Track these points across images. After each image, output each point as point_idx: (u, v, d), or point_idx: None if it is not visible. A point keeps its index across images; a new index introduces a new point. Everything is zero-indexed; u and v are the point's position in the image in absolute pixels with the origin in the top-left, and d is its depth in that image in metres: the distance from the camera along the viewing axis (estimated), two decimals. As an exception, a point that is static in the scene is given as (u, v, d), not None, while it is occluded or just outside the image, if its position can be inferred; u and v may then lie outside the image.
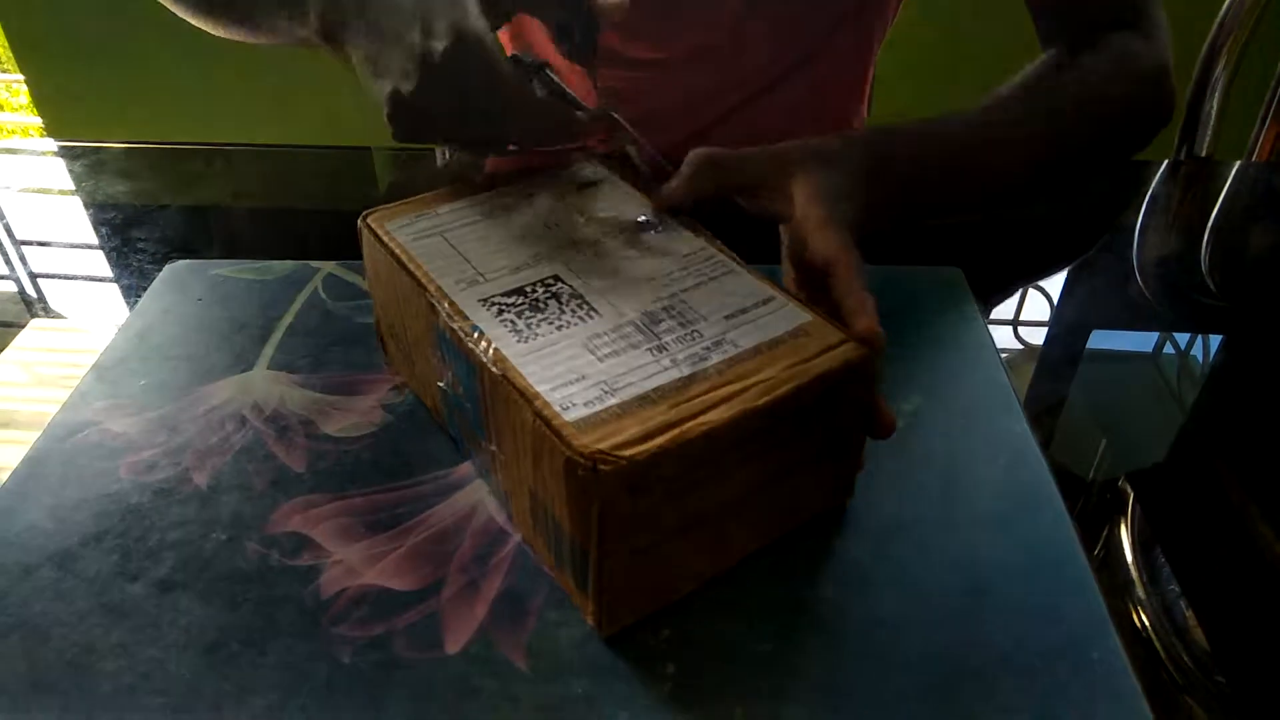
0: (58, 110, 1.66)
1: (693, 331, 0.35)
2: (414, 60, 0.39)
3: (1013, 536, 0.38)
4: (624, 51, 0.68)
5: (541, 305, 0.37)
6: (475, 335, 0.36)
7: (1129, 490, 0.44)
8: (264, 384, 0.46)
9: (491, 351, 0.35)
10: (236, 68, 1.56)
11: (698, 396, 0.32)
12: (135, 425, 0.44)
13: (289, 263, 0.55)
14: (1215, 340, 0.56)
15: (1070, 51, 0.57)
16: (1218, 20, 0.77)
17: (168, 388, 0.46)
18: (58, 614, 0.35)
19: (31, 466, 0.41)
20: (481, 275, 0.39)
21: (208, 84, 1.58)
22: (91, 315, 0.55)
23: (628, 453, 0.30)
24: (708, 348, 0.35)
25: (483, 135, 0.42)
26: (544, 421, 0.32)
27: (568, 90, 0.45)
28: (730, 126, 0.72)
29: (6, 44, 1.61)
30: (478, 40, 0.39)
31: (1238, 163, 0.77)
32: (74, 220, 0.66)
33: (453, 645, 0.34)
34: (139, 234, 0.61)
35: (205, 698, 0.32)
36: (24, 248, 0.63)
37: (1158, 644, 0.37)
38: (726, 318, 0.36)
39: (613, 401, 0.32)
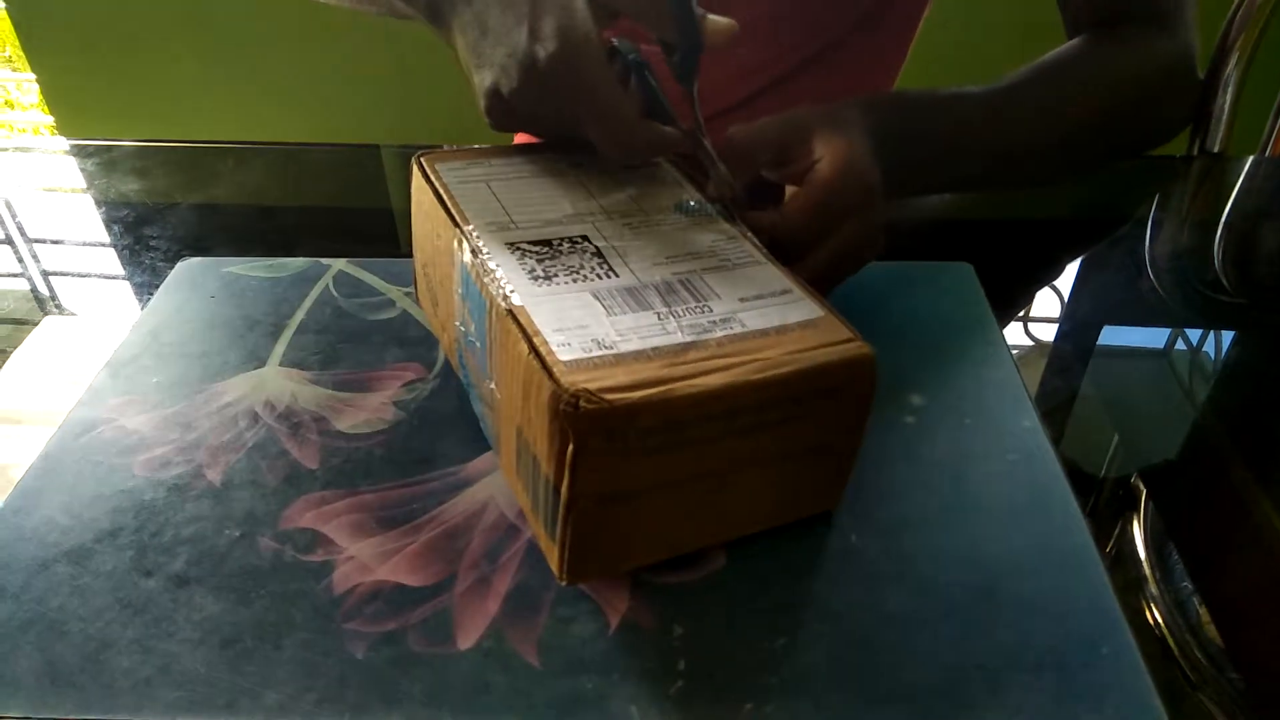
0: (69, 108, 1.67)
1: (704, 306, 0.36)
2: (516, 60, 0.40)
3: (1023, 533, 0.38)
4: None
5: (564, 256, 0.38)
6: (494, 271, 0.37)
7: (1141, 487, 0.44)
8: (276, 381, 0.46)
9: (505, 287, 0.36)
10: (247, 65, 1.57)
11: (693, 361, 0.33)
12: (149, 422, 0.44)
13: (300, 260, 0.55)
14: (1228, 336, 0.55)
15: (1094, 41, 0.57)
16: (1229, 16, 0.77)
17: (181, 385, 0.46)
18: (74, 609, 0.35)
19: (46, 463, 0.42)
20: (514, 223, 0.40)
21: (219, 82, 1.59)
22: (104, 313, 0.56)
23: (611, 396, 0.30)
24: (714, 322, 0.35)
25: (570, 135, 0.43)
26: (538, 357, 0.32)
27: (662, 97, 0.44)
28: (757, 108, 0.72)
29: (18, 42, 1.62)
30: (583, 49, 0.39)
31: (1250, 158, 0.77)
32: (86, 218, 0.66)
33: (465, 641, 0.34)
34: (151, 232, 0.62)
35: (221, 692, 0.32)
36: (36, 246, 0.64)
37: (1171, 641, 0.37)
38: (740, 300, 0.36)
39: (609, 352, 0.33)
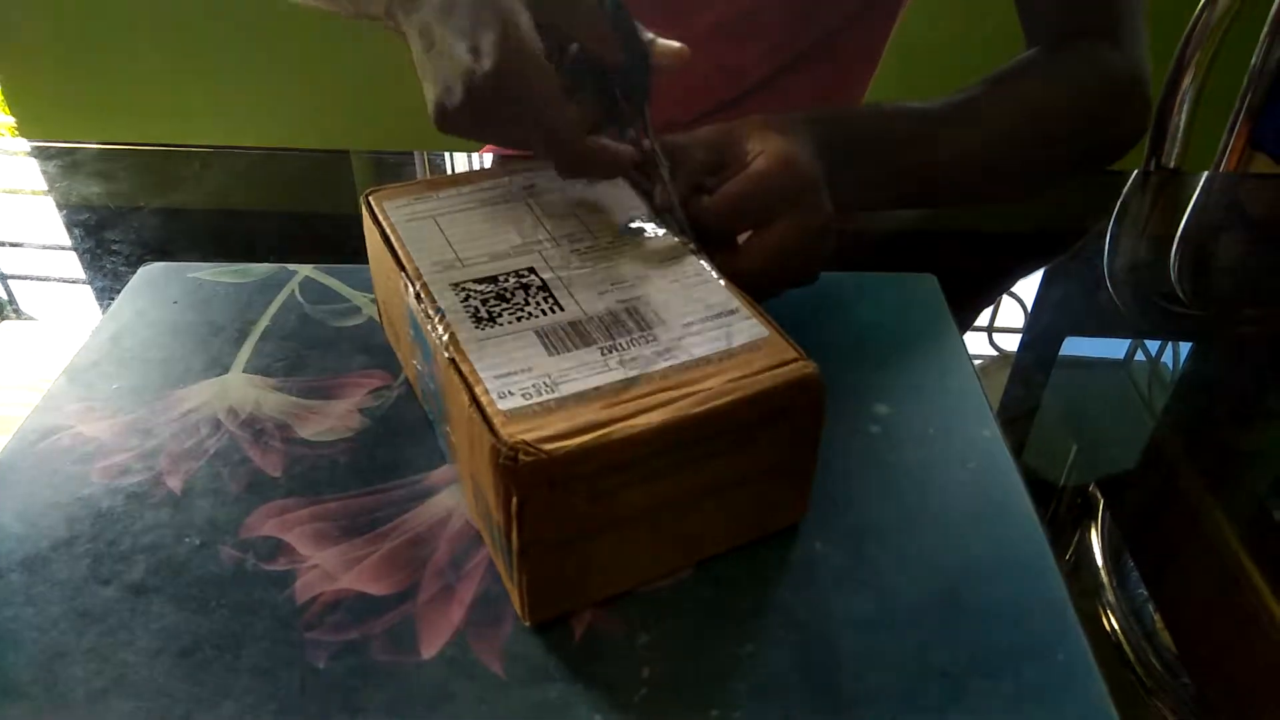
0: (30, 109, 1.64)
1: (649, 335, 0.36)
2: (458, 77, 0.39)
3: (983, 540, 0.38)
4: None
5: (508, 295, 0.38)
6: (436, 318, 0.37)
7: (1099, 496, 0.45)
8: (240, 388, 0.46)
9: (446, 335, 0.36)
10: (214, 69, 1.55)
11: (634, 399, 0.33)
12: (108, 429, 0.43)
13: (266, 266, 0.55)
14: (1185, 348, 0.56)
15: (1050, 54, 0.58)
16: (1185, 33, 0.79)
17: (141, 391, 0.45)
18: (28, 618, 0.35)
19: (1, 470, 0.41)
20: (460, 260, 0.40)
21: (184, 84, 1.57)
22: (64, 317, 0.55)
23: (549, 447, 0.31)
24: (658, 352, 0.35)
25: (524, 145, 0.42)
26: (478, 407, 0.32)
27: (622, 106, 0.43)
28: (743, 110, 0.72)
29: (-22, 43, 1.59)
30: (525, 67, 0.39)
31: (1205, 174, 0.78)
32: (47, 221, 0.65)
33: (428, 650, 0.34)
34: (113, 236, 0.61)
35: (178, 702, 0.32)
36: (-5, 249, 0.63)
37: (1126, 647, 0.37)
38: (685, 325, 0.36)
39: (550, 396, 0.33)
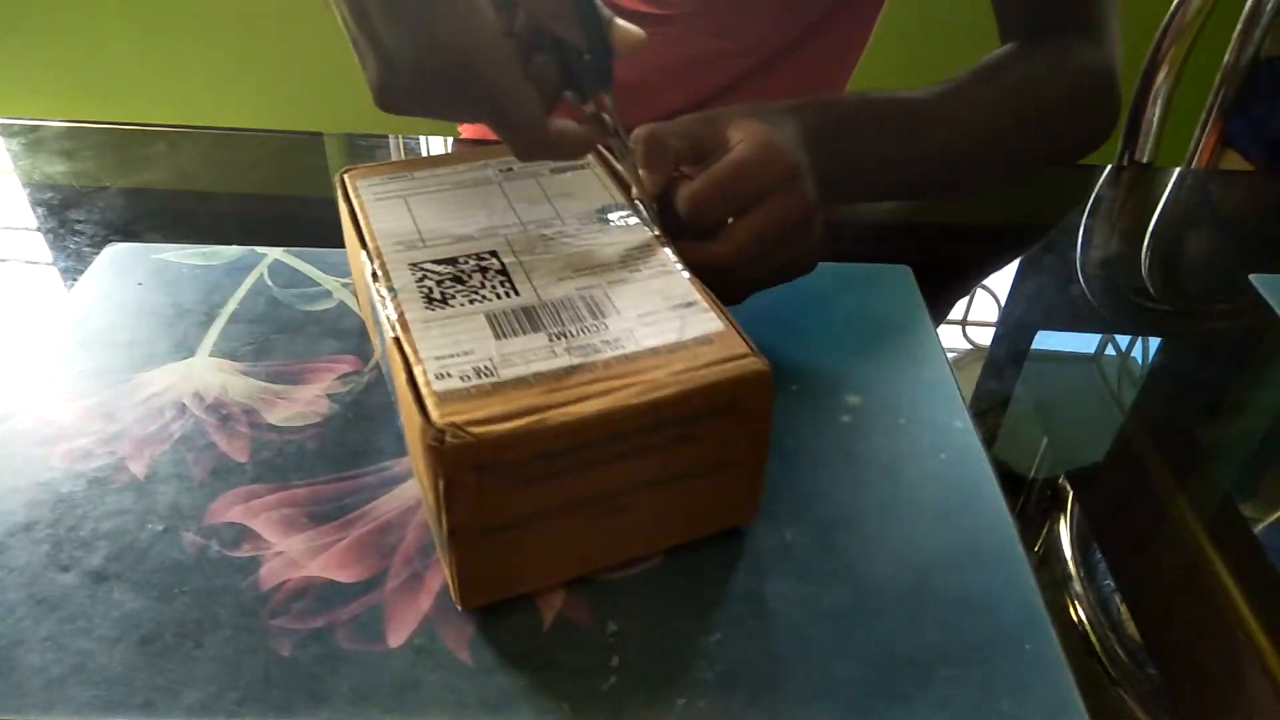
0: (-4, 87, 1.61)
1: (600, 324, 0.35)
2: (405, 58, 0.36)
3: (953, 531, 0.38)
4: (624, 4, 0.67)
5: (465, 277, 0.38)
6: (388, 296, 0.36)
7: (1068, 488, 0.45)
8: (206, 371, 0.45)
9: (395, 314, 0.35)
10: (183, 46, 1.53)
11: (574, 387, 0.32)
12: (70, 412, 0.42)
13: (234, 248, 0.54)
14: (1154, 343, 0.57)
15: (1026, 48, 0.59)
16: (1160, 29, 0.79)
17: (105, 374, 0.45)
18: (-16, 605, 0.34)
19: (-41, 453, 0.40)
20: (423, 241, 0.40)
21: (152, 62, 1.54)
22: (26, 298, 0.54)
23: (478, 430, 0.30)
24: (607, 341, 0.34)
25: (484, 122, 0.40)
26: (414, 387, 0.32)
27: (609, 91, 0.41)
28: (735, 96, 0.71)
29: (-59, 17, 1.55)
30: (480, 42, 0.36)
31: (1177, 169, 0.79)
32: (9, 200, 0.64)
33: (395, 638, 0.34)
34: (77, 215, 0.60)
35: (138, 691, 0.31)
36: (-45, 227, 0.61)
37: (1093, 637, 0.38)
38: (639, 315, 0.36)
39: (489, 380, 0.32)
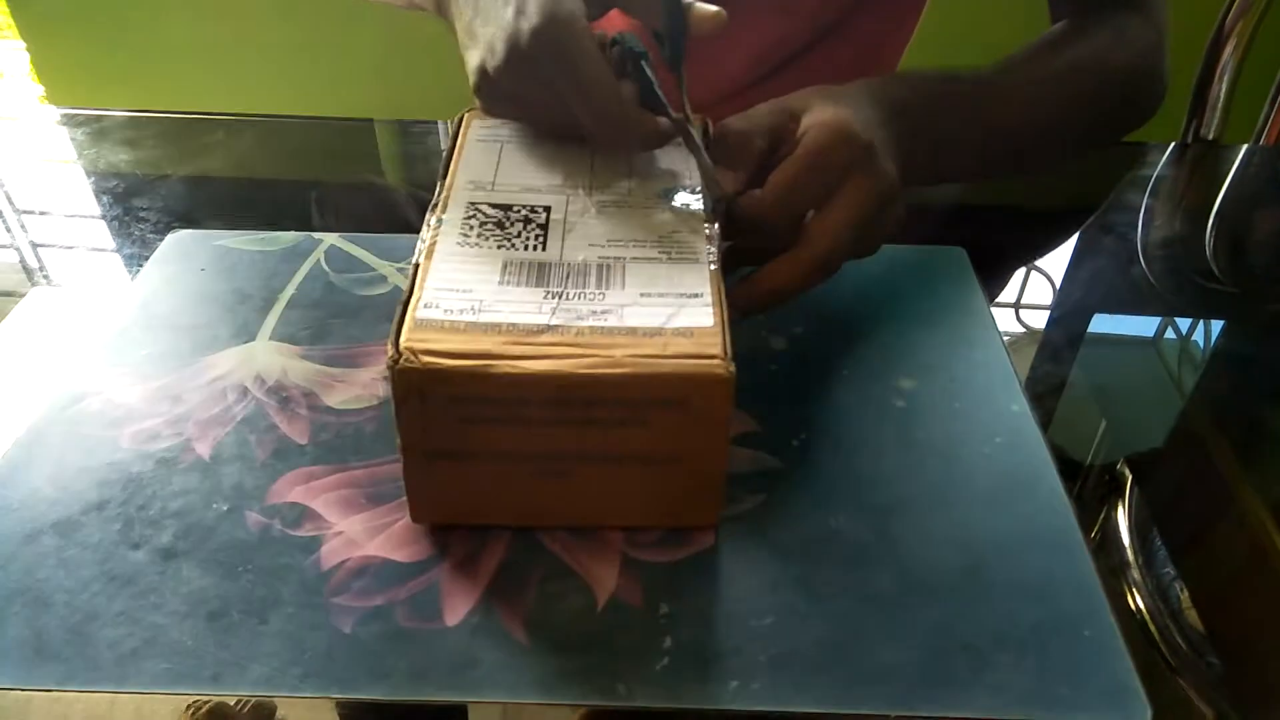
0: (58, 78, 1.65)
1: (600, 294, 0.36)
2: (502, 37, 0.40)
3: (1009, 516, 0.38)
4: None
5: (507, 224, 0.39)
6: (432, 225, 0.39)
7: (1127, 473, 0.44)
8: (266, 355, 0.46)
9: (429, 243, 0.38)
10: (241, 35, 1.55)
11: (536, 344, 0.33)
12: (137, 395, 0.44)
13: (292, 234, 0.55)
14: (1217, 325, 0.56)
15: (1079, 26, 0.58)
16: (1226, 4, 0.77)
17: (170, 357, 0.46)
18: (60, 581, 0.35)
19: (33, 435, 0.41)
20: (494, 185, 0.42)
21: (211, 51, 1.57)
22: (93, 285, 0.55)
23: (427, 359, 0.32)
24: (595, 311, 0.35)
25: (563, 123, 0.42)
26: (403, 311, 0.35)
27: (657, 88, 0.42)
28: (789, 72, 0.71)
29: (7, 10, 1.60)
30: (567, 25, 0.38)
31: (1244, 146, 0.77)
32: (75, 189, 0.66)
33: (452, 617, 0.34)
34: (141, 203, 0.61)
35: (207, 664, 0.32)
36: (24, 216, 0.63)
37: (1152, 626, 0.37)
38: (641, 294, 0.36)
39: (468, 318, 0.34)
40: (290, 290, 0.50)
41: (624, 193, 0.42)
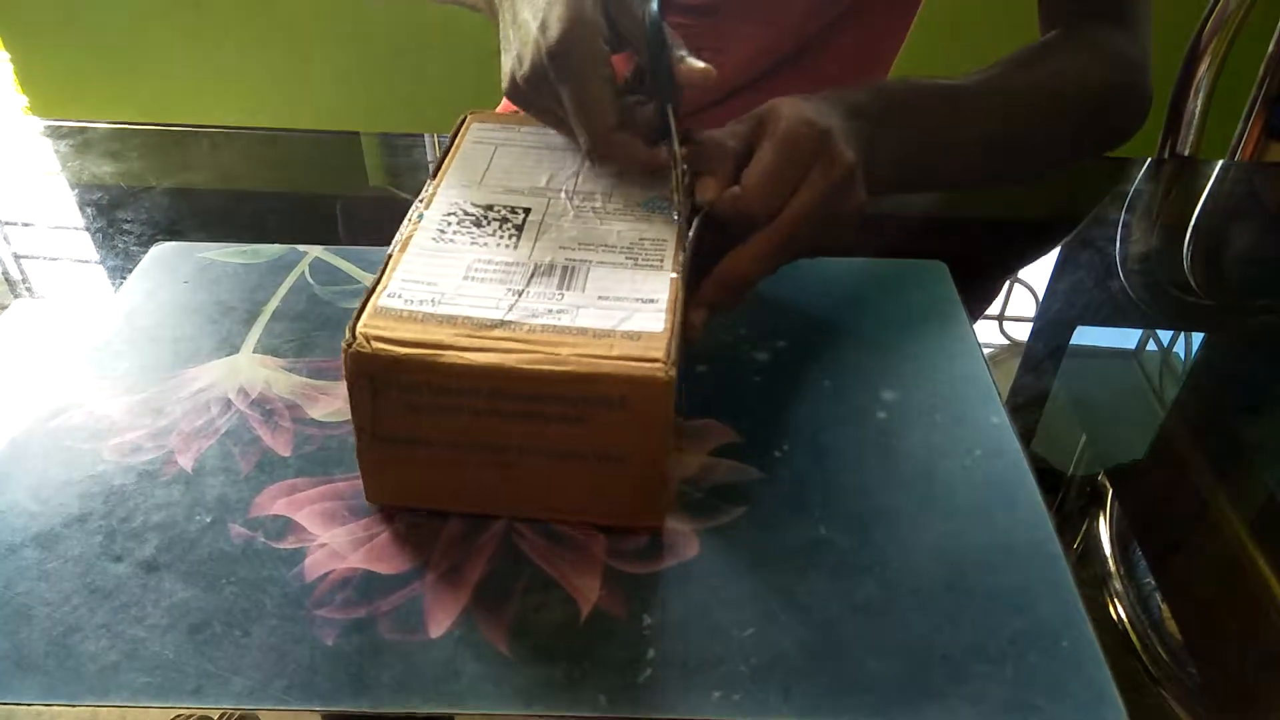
0: (42, 89, 1.64)
1: (559, 294, 0.37)
2: (528, 46, 0.43)
3: (989, 527, 0.38)
4: None
5: (483, 222, 0.41)
6: (412, 219, 0.40)
7: (1107, 485, 0.45)
8: (250, 367, 0.46)
9: (405, 236, 0.40)
10: (225, 49, 1.55)
11: (487, 338, 0.35)
12: (120, 407, 0.44)
13: (276, 247, 0.55)
14: (1196, 338, 0.56)
15: (1066, 37, 0.58)
16: (1202, 19, 0.78)
17: (153, 370, 0.46)
18: (41, 594, 0.35)
19: (14, 447, 0.41)
20: (480, 185, 0.43)
21: (195, 65, 1.57)
22: (76, 297, 0.55)
23: (377, 345, 0.34)
24: (550, 310, 0.36)
25: (572, 133, 0.44)
26: (367, 298, 0.36)
27: (670, 120, 0.43)
28: (773, 83, 0.72)
29: (-9, 22, 1.59)
30: (580, 46, 0.41)
31: (1220, 162, 0.78)
32: (58, 201, 0.65)
33: (436, 629, 0.34)
34: (124, 215, 0.61)
35: (189, 677, 0.32)
36: (7, 228, 0.63)
37: (1132, 636, 0.37)
38: (600, 298, 0.37)
39: (427, 309, 0.35)
40: (274, 303, 0.50)
41: (605, 199, 0.43)
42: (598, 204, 0.43)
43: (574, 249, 0.40)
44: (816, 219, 0.42)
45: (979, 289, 0.56)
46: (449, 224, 0.41)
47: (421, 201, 0.42)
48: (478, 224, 0.41)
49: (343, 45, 1.51)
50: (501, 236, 0.40)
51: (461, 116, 0.50)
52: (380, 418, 0.35)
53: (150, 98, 1.62)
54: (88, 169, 0.68)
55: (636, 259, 0.39)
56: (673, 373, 0.34)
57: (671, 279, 0.38)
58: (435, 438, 0.36)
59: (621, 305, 0.37)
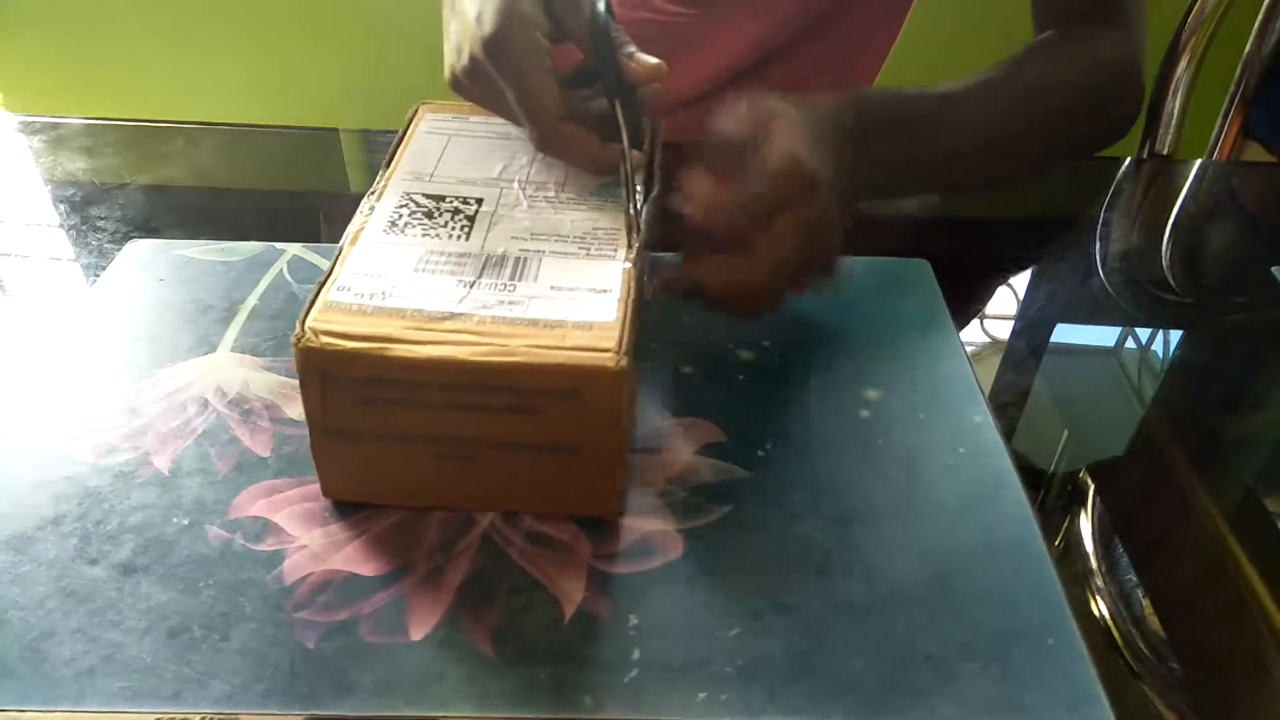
0: (15, 84, 1.62)
1: (511, 285, 0.37)
2: (466, 38, 0.43)
3: (973, 526, 0.38)
4: None
5: (436, 214, 0.41)
6: (364, 212, 0.40)
7: (1089, 482, 0.45)
8: (227, 367, 0.45)
9: (357, 228, 0.40)
10: (202, 44, 1.53)
11: (437, 330, 0.34)
12: (94, 407, 0.43)
13: (254, 244, 0.54)
14: (1175, 335, 0.57)
15: (1055, 39, 0.59)
16: (1181, 19, 0.78)
17: (128, 369, 0.45)
18: (15, 598, 0.34)
19: (-13, 448, 0.40)
20: (431, 176, 0.43)
21: (172, 60, 1.55)
22: (49, 295, 0.54)
23: (326, 340, 0.33)
24: (503, 301, 0.36)
25: (518, 123, 0.44)
26: (317, 292, 0.36)
27: (619, 116, 0.43)
28: (761, 82, 0.71)
29: (-39, 15, 1.57)
30: (518, 37, 0.41)
31: (1198, 161, 0.78)
32: (32, 197, 0.64)
33: (418, 631, 0.34)
34: (99, 212, 0.60)
35: (167, 682, 0.32)
36: (-21, 225, 0.62)
37: (1115, 632, 0.38)
38: (552, 287, 0.37)
39: (377, 303, 0.35)
40: (252, 301, 0.50)
41: (558, 189, 0.43)
42: (551, 194, 0.43)
43: (526, 239, 0.40)
44: (782, 265, 0.40)
45: (962, 287, 0.56)
46: (400, 216, 0.40)
47: (373, 194, 0.42)
48: (429, 215, 0.41)
49: (321, 41, 1.50)
50: (453, 228, 0.40)
51: (414, 107, 0.49)
52: (331, 412, 0.35)
53: (125, 93, 1.60)
54: (61, 165, 0.67)
55: (590, 249, 0.40)
56: (624, 362, 0.34)
57: (625, 269, 0.38)
58: (386, 431, 0.36)
59: (574, 295, 0.37)
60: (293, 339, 0.34)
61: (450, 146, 0.46)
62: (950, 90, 0.53)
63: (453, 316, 0.35)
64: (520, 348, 0.34)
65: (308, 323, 0.34)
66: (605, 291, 0.37)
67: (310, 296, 0.36)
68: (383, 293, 0.36)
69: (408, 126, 0.47)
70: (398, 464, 0.37)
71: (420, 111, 0.49)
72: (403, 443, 0.36)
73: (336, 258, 0.38)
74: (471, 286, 0.37)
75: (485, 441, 0.36)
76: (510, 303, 0.36)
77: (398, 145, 0.46)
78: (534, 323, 0.35)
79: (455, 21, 0.44)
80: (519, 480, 0.37)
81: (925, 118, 0.52)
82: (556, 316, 0.36)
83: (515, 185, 0.43)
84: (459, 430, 0.35)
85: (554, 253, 0.39)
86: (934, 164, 0.53)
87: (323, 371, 0.34)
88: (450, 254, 0.38)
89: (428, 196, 0.42)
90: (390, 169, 0.44)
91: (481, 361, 0.33)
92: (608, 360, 0.34)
